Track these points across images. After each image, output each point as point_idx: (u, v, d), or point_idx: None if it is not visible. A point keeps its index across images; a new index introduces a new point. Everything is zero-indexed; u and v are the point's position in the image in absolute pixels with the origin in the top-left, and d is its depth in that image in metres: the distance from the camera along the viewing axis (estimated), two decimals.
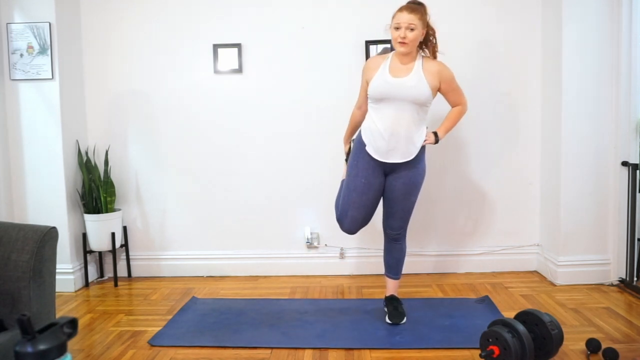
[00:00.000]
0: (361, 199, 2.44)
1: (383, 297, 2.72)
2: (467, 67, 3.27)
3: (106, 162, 3.31)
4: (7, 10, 3.08)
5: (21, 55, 3.08)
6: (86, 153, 3.33)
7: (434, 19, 3.24)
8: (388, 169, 2.43)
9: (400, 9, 2.33)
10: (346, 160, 2.64)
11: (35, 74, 3.09)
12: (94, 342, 2.41)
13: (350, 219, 2.48)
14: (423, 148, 2.44)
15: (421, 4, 2.39)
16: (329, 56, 3.29)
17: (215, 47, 3.30)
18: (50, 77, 3.08)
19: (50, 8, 3.05)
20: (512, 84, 3.28)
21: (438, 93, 2.46)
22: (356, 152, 2.46)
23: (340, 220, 2.55)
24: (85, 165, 3.25)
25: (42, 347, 0.86)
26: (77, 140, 3.29)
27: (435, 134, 2.46)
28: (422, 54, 2.43)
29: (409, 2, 2.38)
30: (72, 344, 2.38)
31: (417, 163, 2.42)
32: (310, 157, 3.32)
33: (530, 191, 3.34)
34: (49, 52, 3.07)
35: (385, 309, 2.60)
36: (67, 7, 3.19)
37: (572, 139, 3.01)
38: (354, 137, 2.57)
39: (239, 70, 3.32)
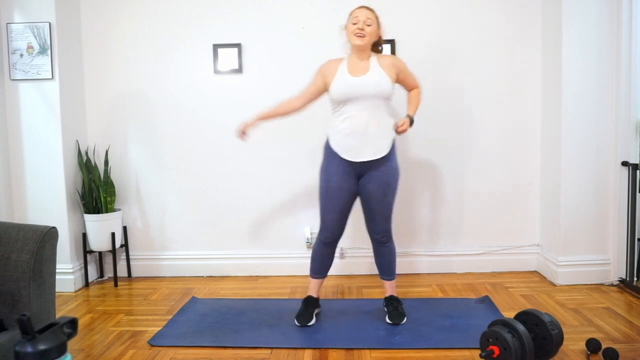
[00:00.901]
0: (333, 202, 2.45)
1: (383, 297, 2.72)
2: (468, 67, 3.27)
3: (106, 162, 3.31)
4: (7, 10, 3.08)
5: (21, 55, 3.08)
6: (86, 153, 3.33)
7: (435, 19, 3.26)
8: (360, 171, 2.43)
9: (357, 8, 2.43)
10: (243, 132, 2.55)
11: (35, 74, 3.09)
12: (94, 342, 2.41)
13: (330, 222, 2.49)
14: (394, 147, 2.46)
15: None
16: (328, 56, 3.28)
17: (215, 47, 3.31)
18: (50, 77, 3.08)
19: (50, 8, 3.05)
20: (512, 84, 3.28)
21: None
22: (326, 157, 2.47)
23: (321, 226, 2.54)
24: (85, 165, 3.25)
25: (42, 347, 0.86)
26: (77, 140, 3.29)
27: (409, 116, 2.45)
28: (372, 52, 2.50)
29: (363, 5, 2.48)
30: (72, 344, 2.38)
31: (388, 162, 2.42)
32: (310, 157, 3.32)
33: (530, 191, 3.34)
34: (49, 52, 3.07)
35: (385, 309, 2.60)
36: (67, 7, 3.19)
37: (572, 139, 3.01)
38: (324, 142, 2.52)
39: (239, 70, 3.32)
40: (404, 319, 2.52)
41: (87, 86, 3.39)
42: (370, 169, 2.41)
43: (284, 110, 2.55)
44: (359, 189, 2.47)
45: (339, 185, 2.42)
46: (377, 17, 2.43)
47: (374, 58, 2.44)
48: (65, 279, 3.16)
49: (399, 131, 2.39)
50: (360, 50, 2.41)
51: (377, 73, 2.38)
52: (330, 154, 2.45)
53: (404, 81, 2.53)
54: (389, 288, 2.63)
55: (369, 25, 2.37)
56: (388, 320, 2.52)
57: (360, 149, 2.36)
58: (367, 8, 2.41)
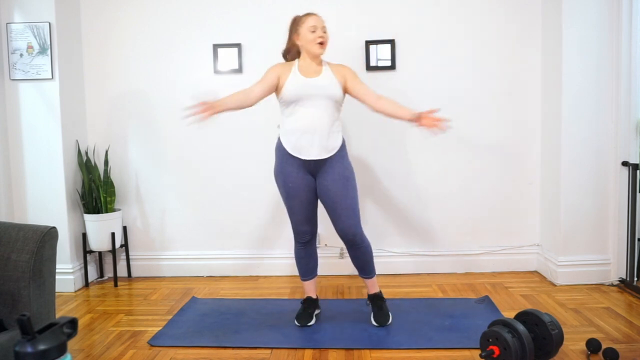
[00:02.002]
0: (296, 202, 2.46)
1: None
2: (468, 67, 3.27)
3: (106, 162, 3.31)
4: (7, 10, 3.08)
5: (21, 55, 3.08)
6: (86, 153, 3.33)
7: (435, 19, 3.26)
8: (313, 169, 2.42)
9: (309, 14, 2.44)
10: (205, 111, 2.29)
11: (35, 74, 3.09)
12: (94, 342, 2.41)
13: (299, 223, 2.50)
14: (344, 146, 2.47)
15: None
16: (328, 56, 3.28)
17: (215, 47, 3.31)
18: (50, 77, 3.08)
19: (50, 8, 3.05)
20: (512, 84, 3.28)
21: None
22: (278, 158, 2.48)
23: (293, 229, 2.55)
24: (85, 165, 3.25)
25: (42, 347, 0.86)
26: (77, 140, 3.29)
27: (413, 116, 2.36)
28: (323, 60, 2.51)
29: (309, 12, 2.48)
30: (72, 344, 2.38)
31: (341, 160, 2.43)
32: None
33: (530, 191, 3.34)
34: (48, 52, 3.07)
35: (369, 306, 2.60)
36: (67, 7, 3.19)
37: (572, 139, 3.01)
38: (275, 145, 2.51)
39: (239, 70, 3.32)
40: (389, 319, 2.51)
41: (87, 86, 3.39)
42: (323, 167, 2.42)
43: (236, 102, 2.38)
44: (317, 189, 2.46)
45: (297, 184, 2.43)
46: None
47: (325, 64, 2.48)
48: (65, 279, 3.16)
49: (432, 125, 2.29)
50: (315, 59, 2.45)
51: (327, 77, 2.42)
52: (283, 155, 2.44)
53: (354, 87, 2.45)
54: (371, 285, 2.58)
55: (324, 32, 2.42)
56: (373, 322, 2.51)
57: (311, 148, 2.37)
58: (318, 15, 2.44)
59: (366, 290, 2.69)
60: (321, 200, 2.48)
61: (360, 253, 2.50)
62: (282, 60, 3.27)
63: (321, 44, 2.40)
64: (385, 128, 3.30)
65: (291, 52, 2.55)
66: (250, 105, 2.46)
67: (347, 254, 3.35)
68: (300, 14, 2.51)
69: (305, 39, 2.42)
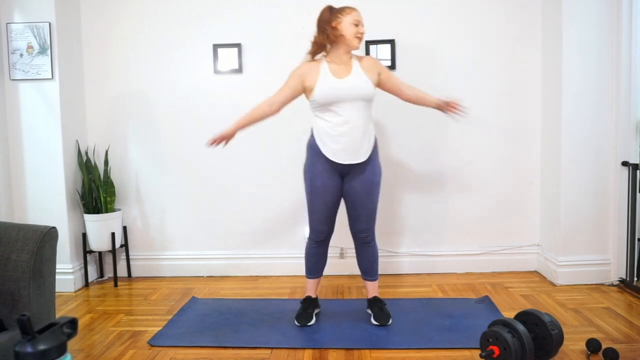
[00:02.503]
0: (320, 201, 2.46)
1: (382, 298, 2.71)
2: (468, 67, 3.27)
3: (106, 162, 3.31)
4: (7, 10, 3.08)
5: (21, 55, 3.08)
6: (86, 153, 3.33)
7: (435, 19, 3.26)
8: (344, 171, 2.43)
9: (350, 8, 2.41)
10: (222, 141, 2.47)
11: (35, 74, 3.09)
12: (94, 342, 2.41)
13: (318, 221, 2.50)
14: (376, 148, 2.48)
15: None
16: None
17: (215, 47, 3.31)
18: (50, 77, 3.08)
19: (50, 8, 3.05)
20: (512, 84, 3.28)
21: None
22: (310, 156, 2.47)
23: (309, 226, 2.56)
24: (85, 165, 3.25)
25: (42, 347, 0.86)
26: (77, 140, 3.29)
27: (439, 102, 2.53)
28: (352, 53, 2.48)
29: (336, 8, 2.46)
30: (72, 344, 2.38)
31: (371, 161, 2.44)
32: None
33: (530, 191, 3.34)
34: (48, 52, 3.07)
35: (369, 311, 2.60)
36: (67, 7, 3.19)
37: (572, 139, 3.01)
38: (308, 141, 2.51)
39: (239, 70, 3.32)
40: (389, 319, 2.52)
41: (87, 86, 3.39)
42: (354, 170, 2.43)
43: (260, 115, 2.46)
44: (344, 188, 2.47)
45: (325, 184, 2.43)
46: None
47: (354, 60, 2.45)
48: (65, 279, 3.16)
49: (455, 110, 2.50)
50: (347, 52, 2.43)
51: (357, 75, 2.39)
52: (315, 153, 2.44)
53: (387, 81, 2.50)
54: (372, 289, 2.62)
55: (363, 26, 2.42)
56: (374, 322, 2.52)
57: (344, 151, 2.37)
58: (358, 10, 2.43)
59: (366, 292, 2.69)
60: (344, 198, 2.50)
61: (368, 253, 2.56)
62: (281, 60, 3.29)
63: (360, 38, 2.39)
64: (385, 128, 3.30)
65: (321, 48, 2.45)
66: (275, 114, 2.48)
67: (348, 254, 3.36)
68: (329, 5, 2.47)
69: (348, 30, 2.37)
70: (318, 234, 2.54)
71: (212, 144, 2.45)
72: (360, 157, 2.39)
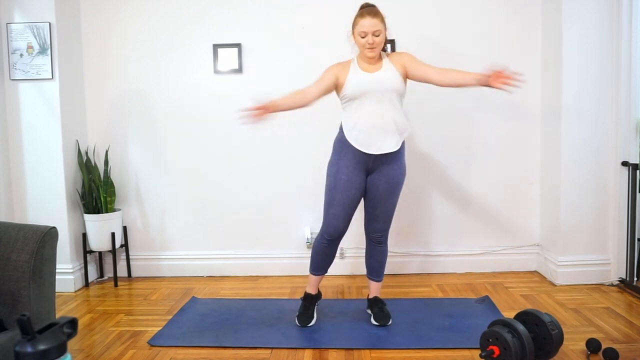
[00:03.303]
0: (341, 196, 2.43)
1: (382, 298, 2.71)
2: (468, 67, 3.27)
3: (106, 162, 3.31)
4: (7, 10, 3.08)
5: (21, 55, 3.08)
6: (86, 153, 3.33)
7: (435, 19, 3.26)
8: (372, 166, 2.42)
9: (362, 15, 2.35)
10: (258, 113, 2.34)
11: (35, 74, 3.09)
12: (94, 342, 2.41)
13: (334, 217, 2.45)
14: (404, 146, 2.47)
15: (375, 6, 2.43)
16: (329, 56, 3.28)
17: (215, 47, 3.31)
18: (50, 77, 3.08)
19: (50, 8, 3.05)
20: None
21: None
22: (338, 150, 2.46)
23: (324, 222, 2.50)
24: (85, 165, 3.25)
25: (42, 347, 0.86)
26: (77, 140, 3.29)
27: (482, 77, 2.27)
28: (382, 52, 2.47)
29: (365, 7, 2.41)
30: (72, 344, 2.38)
31: (399, 160, 2.44)
32: (310, 157, 3.32)
33: (530, 191, 3.34)
34: (49, 52, 3.07)
35: (369, 311, 2.61)
36: (67, 7, 3.19)
37: (572, 139, 3.01)
38: (335, 138, 2.50)
39: (239, 70, 3.32)
40: (390, 320, 2.52)
41: (87, 86, 3.39)
42: (381, 165, 2.41)
43: (295, 102, 2.41)
44: (367, 185, 2.46)
45: (350, 178, 2.41)
46: (383, 20, 2.37)
47: (384, 56, 2.45)
48: (65, 279, 3.16)
49: (506, 81, 2.17)
50: (372, 58, 2.41)
51: (389, 70, 2.39)
52: (343, 148, 2.42)
53: (417, 69, 2.40)
54: (375, 289, 2.63)
55: (377, 36, 2.33)
56: (374, 322, 2.52)
57: (375, 142, 2.36)
58: (372, 15, 2.34)
59: (367, 292, 2.69)
60: (366, 196, 2.49)
61: (378, 253, 2.58)
62: (281, 60, 3.29)
63: (370, 49, 2.35)
64: None
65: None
66: (307, 105, 2.44)
67: (348, 254, 3.36)
68: (363, 3, 2.44)
69: (357, 42, 2.39)
70: (333, 230, 2.46)
71: (248, 116, 2.30)
72: (387, 148, 2.37)
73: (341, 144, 2.44)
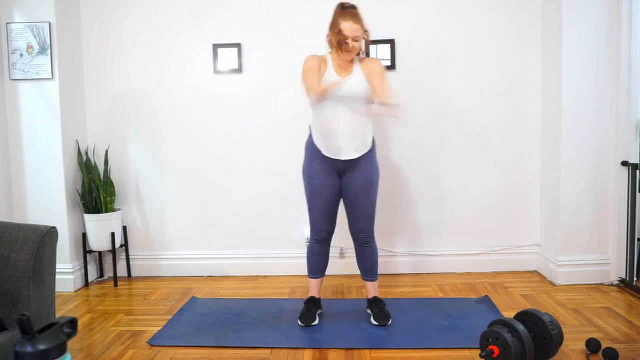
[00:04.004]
0: (320, 200, 2.47)
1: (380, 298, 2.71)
2: (468, 67, 3.27)
3: (106, 162, 3.31)
4: (7, 10, 3.08)
5: (21, 55, 3.08)
6: (86, 153, 3.33)
7: (435, 19, 3.26)
8: (342, 169, 2.44)
9: (344, 17, 2.31)
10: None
11: (35, 74, 3.09)
12: (94, 342, 2.41)
13: (318, 220, 2.51)
14: (374, 147, 2.48)
15: (356, 8, 2.40)
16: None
17: (215, 47, 3.31)
18: (50, 77, 3.08)
19: (50, 8, 3.05)
20: (512, 84, 3.28)
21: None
22: (308, 155, 2.49)
23: (310, 225, 2.56)
24: (85, 165, 3.25)
25: (42, 347, 0.86)
26: (77, 140, 3.29)
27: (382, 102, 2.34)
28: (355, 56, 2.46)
29: (347, 8, 2.37)
30: (72, 344, 2.38)
31: (369, 161, 2.45)
32: None
33: (530, 191, 3.34)
34: (49, 52, 3.07)
35: (369, 311, 2.61)
36: (67, 7, 3.19)
37: (572, 139, 3.01)
38: (306, 141, 2.52)
39: (239, 70, 3.32)
40: (389, 320, 2.52)
41: (87, 86, 3.39)
42: (352, 168, 2.44)
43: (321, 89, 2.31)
44: (342, 188, 2.48)
45: (322, 182, 2.44)
46: (362, 26, 2.34)
47: (357, 61, 2.46)
48: (65, 279, 3.16)
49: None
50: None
51: (358, 76, 2.40)
52: (312, 152, 2.46)
53: (371, 81, 2.37)
54: (372, 289, 2.63)
55: (356, 42, 2.32)
56: (374, 322, 2.52)
57: (342, 148, 2.38)
58: (355, 20, 2.31)
59: (366, 293, 2.69)
60: (343, 199, 2.51)
61: (368, 253, 2.57)
62: (281, 60, 3.29)
63: (347, 52, 2.34)
64: (384, 127, 3.30)
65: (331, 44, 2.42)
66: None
67: (348, 254, 3.36)
68: (342, 2, 2.39)
69: (333, 41, 2.36)
70: (319, 232, 2.55)
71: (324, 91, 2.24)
72: (354, 154, 2.40)
73: (311, 149, 2.47)
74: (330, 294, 3.02)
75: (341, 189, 2.49)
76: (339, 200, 2.52)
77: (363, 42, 2.40)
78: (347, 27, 2.30)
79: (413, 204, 3.36)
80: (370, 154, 2.47)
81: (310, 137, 2.48)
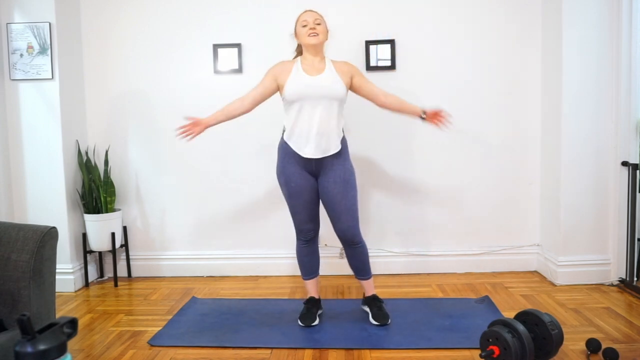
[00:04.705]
0: (299, 202, 2.48)
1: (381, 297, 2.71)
2: (468, 67, 3.27)
3: (106, 162, 3.31)
4: (7, 10, 3.08)
5: (21, 55, 3.08)
6: (86, 153, 3.33)
7: (435, 19, 3.26)
8: (314, 169, 2.44)
9: (303, 12, 2.48)
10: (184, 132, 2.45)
11: (35, 74, 3.09)
12: (94, 342, 2.41)
13: (301, 222, 2.53)
14: (346, 147, 2.49)
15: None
16: (328, 56, 3.28)
17: (215, 47, 3.31)
18: (50, 77, 3.08)
19: (50, 8, 3.05)
20: (512, 84, 3.28)
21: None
22: (281, 157, 2.48)
23: (295, 227, 2.59)
24: (85, 165, 3.25)
25: (42, 347, 0.86)
26: (77, 140, 3.29)
27: (421, 111, 2.53)
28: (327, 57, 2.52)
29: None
30: (72, 344, 2.38)
31: (342, 161, 2.45)
32: None
33: (530, 191, 3.34)
34: (49, 52, 3.07)
35: (367, 308, 2.61)
36: (67, 7, 3.19)
37: (572, 139, 3.01)
38: (279, 143, 2.53)
39: (239, 70, 3.32)
40: (389, 319, 2.51)
41: (87, 86, 3.39)
42: (324, 169, 2.43)
43: (232, 111, 2.49)
44: (318, 188, 2.48)
45: (299, 184, 2.45)
46: (323, 18, 2.47)
47: (328, 61, 2.48)
48: (65, 279, 3.16)
49: (437, 120, 2.52)
50: (314, 50, 2.44)
51: (330, 75, 2.42)
52: (286, 154, 2.45)
53: (362, 86, 2.50)
54: (368, 287, 2.61)
55: (319, 24, 2.42)
56: (373, 321, 2.51)
57: (313, 147, 2.39)
58: (312, 11, 2.46)
59: (364, 292, 2.69)
60: (321, 200, 2.50)
61: (356, 253, 2.54)
62: (281, 59, 3.28)
63: (312, 35, 2.39)
64: (383, 127, 3.30)
65: (298, 49, 2.58)
66: (248, 111, 2.50)
67: None
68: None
69: (299, 34, 2.46)
70: (306, 233, 2.56)
71: (182, 132, 2.43)
72: (326, 153, 2.40)
73: (284, 150, 2.47)
74: (330, 294, 3.02)
75: (318, 190, 2.49)
76: (318, 198, 2.52)
77: (327, 33, 2.48)
78: (307, 14, 2.45)
79: (413, 204, 3.36)
80: (342, 154, 2.45)
81: (282, 138, 2.48)
